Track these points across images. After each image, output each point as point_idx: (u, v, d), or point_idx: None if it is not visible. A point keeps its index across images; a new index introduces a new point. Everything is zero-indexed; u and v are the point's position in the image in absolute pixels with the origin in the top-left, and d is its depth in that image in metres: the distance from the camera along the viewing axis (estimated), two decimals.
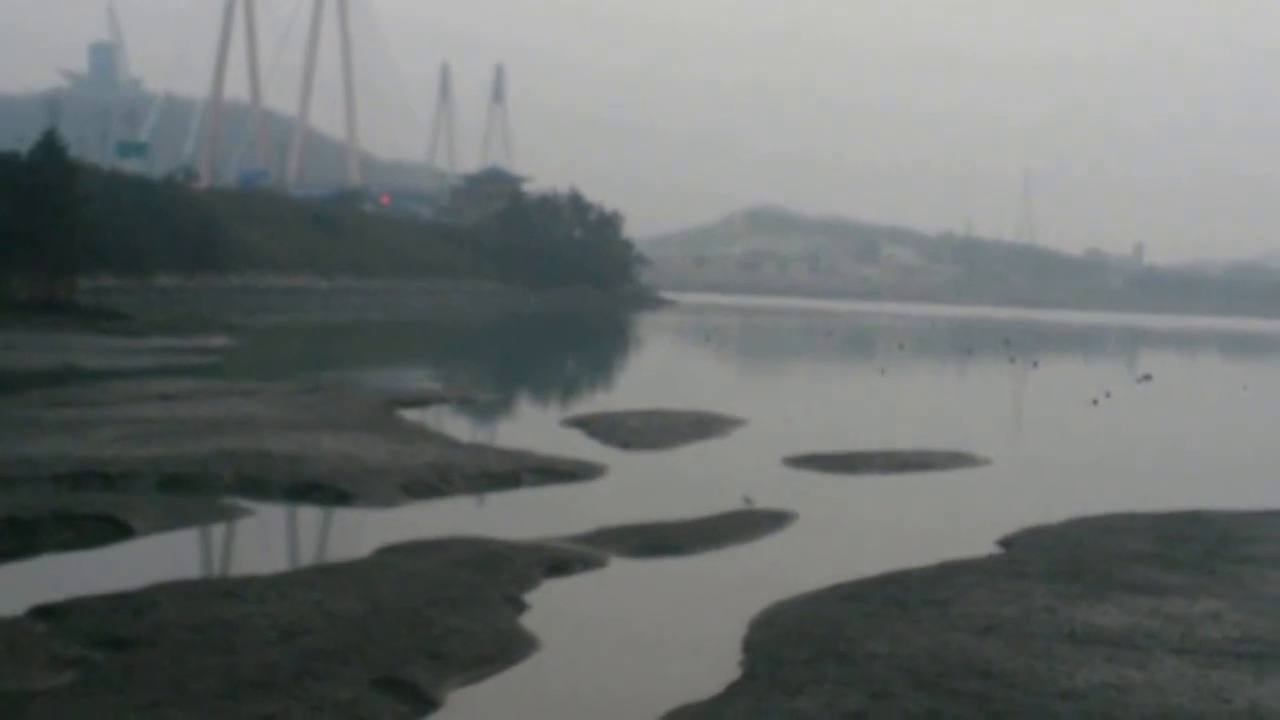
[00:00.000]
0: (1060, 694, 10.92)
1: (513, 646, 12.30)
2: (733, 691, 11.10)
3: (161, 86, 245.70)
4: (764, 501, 20.64)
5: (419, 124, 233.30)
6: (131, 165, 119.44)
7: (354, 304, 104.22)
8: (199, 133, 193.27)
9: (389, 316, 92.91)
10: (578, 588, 15.06)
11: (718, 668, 11.88)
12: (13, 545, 15.65)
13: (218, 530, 17.58)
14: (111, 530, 16.48)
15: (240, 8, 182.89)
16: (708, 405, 34.19)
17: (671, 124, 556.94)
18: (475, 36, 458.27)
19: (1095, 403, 42.11)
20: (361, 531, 17.41)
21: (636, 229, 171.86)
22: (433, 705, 10.67)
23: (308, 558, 16.38)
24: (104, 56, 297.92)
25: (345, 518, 18.63)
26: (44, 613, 12.29)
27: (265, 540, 17.41)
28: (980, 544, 18.04)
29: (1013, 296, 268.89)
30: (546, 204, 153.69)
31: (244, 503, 18.79)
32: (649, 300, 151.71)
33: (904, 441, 28.84)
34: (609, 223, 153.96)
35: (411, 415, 30.60)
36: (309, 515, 18.83)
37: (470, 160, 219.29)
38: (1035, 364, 65.08)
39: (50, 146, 60.44)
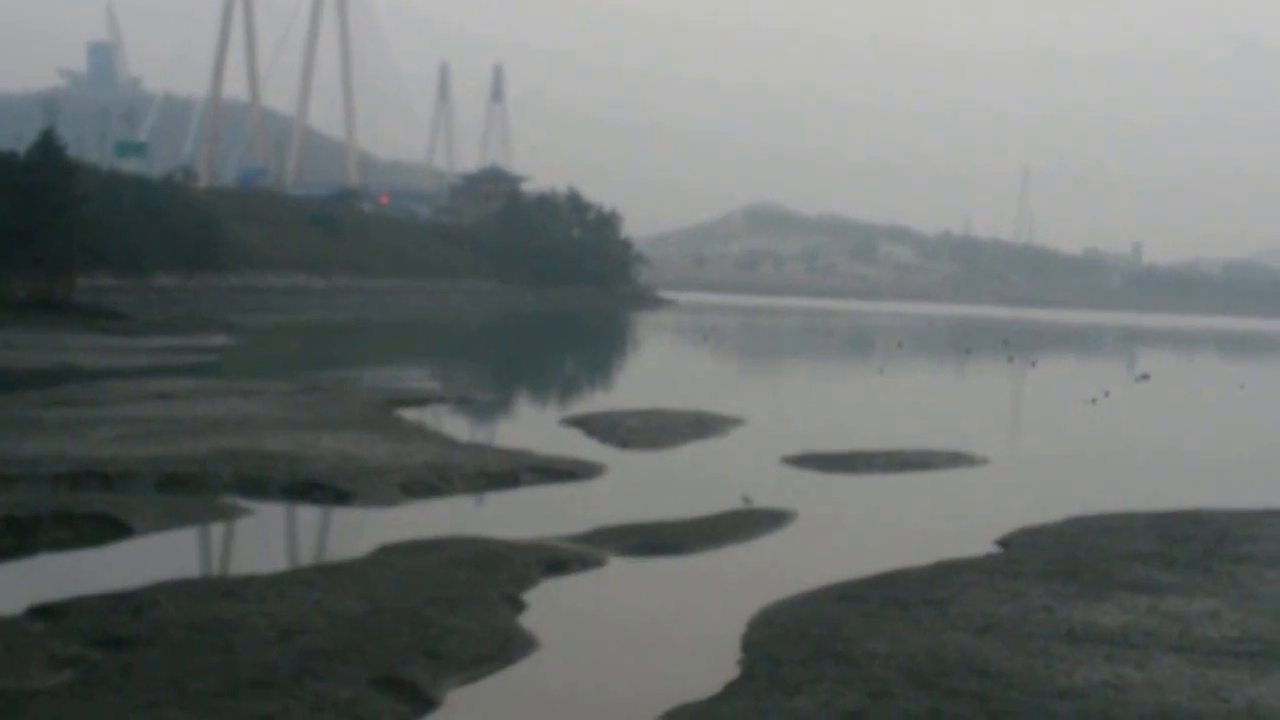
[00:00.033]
0: (1058, 693, 10.93)
1: (511, 646, 12.31)
2: (731, 691, 11.11)
3: (160, 86, 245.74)
4: (763, 501, 20.65)
5: (418, 123, 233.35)
6: (130, 165, 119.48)
7: (353, 303, 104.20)
8: (198, 132, 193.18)
9: (388, 316, 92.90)
10: (576, 587, 15.07)
11: (716, 667, 11.89)
12: (11, 544, 15.65)
13: (217, 530, 17.58)
14: (110, 530, 16.48)
15: (239, 7, 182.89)
16: (706, 404, 34.19)
17: (670, 123, 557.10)
18: (474, 36, 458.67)
19: (1093, 402, 42.13)
20: (360, 531, 17.42)
21: (635, 228, 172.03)
22: (431, 704, 10.68)
23: (307, 557, 16.39)
24: (103, 56, 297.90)
25: (344, 517, 18.63)
26: (42, 612, 12.30)
27: (264, 539, 17.41)
28: (978, 543, 18.05)
29: (1011, 295, 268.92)
30: (545, 203, 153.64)
31: (243, 502, 18.79)
32: (647, 299, 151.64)
33: (902, 441, 28.84)
34: (607, 222, 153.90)
35: (410, 415, 30.60)
36: (308, 515, 18.83)
37: (469, 160, 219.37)
38: (1033, 363, 65.09)
39: (49, 146, 60.41)
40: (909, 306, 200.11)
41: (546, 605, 13.93)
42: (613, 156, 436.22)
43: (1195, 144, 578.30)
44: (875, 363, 62.38)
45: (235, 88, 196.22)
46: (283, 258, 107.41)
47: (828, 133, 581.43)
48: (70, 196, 59.82)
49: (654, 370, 56.63)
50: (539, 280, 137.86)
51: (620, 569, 16.07)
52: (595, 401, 37.89)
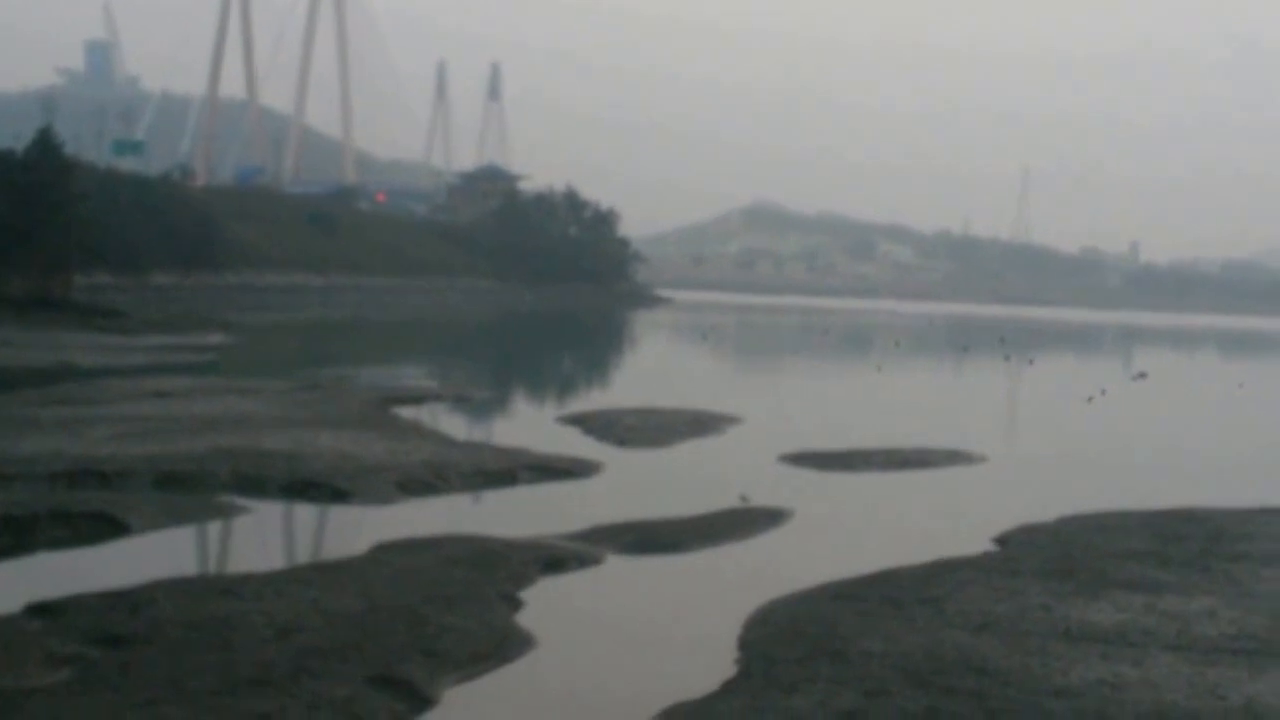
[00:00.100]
0: (1055, 691, 10.94)
1: (508, 644, 12.31)
2: (728, 689, 11.11)
3: (158, 84, 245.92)
4: (760, 499, 20.66)
5: (415, 122, 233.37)
6: (127, 163, 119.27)
7: (350, 302, 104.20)
8: (195, 130, 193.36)
9: (385, 314, 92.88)
10: (573, 585, 15.08)
11: (713, 665, 11.90)
12: (9, 543, 15.65)
13: (214, 528, 17.59)
14: (107, 528, 16.48)
15: (236, 6, 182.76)
16: (704, 403, 34.19)
17: (668, 122, 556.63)
18: (471, 34, 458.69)
19: (1090, 400, 42.15)
20: (358, 529, 17.42)
21: (633, 227, 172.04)
22: (428, 703, 10.69)
23: (304, 555, 16.39)
24: (100, 54, 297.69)
25: (342, 515, 18.63)
26: (40, 610, 12.30)
27: (262, 538, 17.41)
28: (975, 542, 18.07)
29: (1009, 294, 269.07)
30: (543, 202, 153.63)
31: (240, 500, 18.79)
32: (645, 298, 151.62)
33: (900, 439, 28.85)
34: (605, 220, 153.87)
35: (408, 413, 30.60)
36: (305, 513, 18.83)
37: (466, 158, 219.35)
38: (1031, 362, 65.11)
39: (46, 144, 60.36)
40: (907, 305, 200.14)
41: (544, 603, 13.94)
42: (610, 155, 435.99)
43: (1194, 144, 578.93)
44: (873, 361, 62.42)
45: (232, 86, 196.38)
46: (280, 256, 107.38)
47: (826, 132, 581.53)
48: (67, 195, 59.77)
49: (651, 369, 56.64)
50: (536, 279, 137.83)
51: (617, 567, 16.08)
52: (593, 400, 37.88)
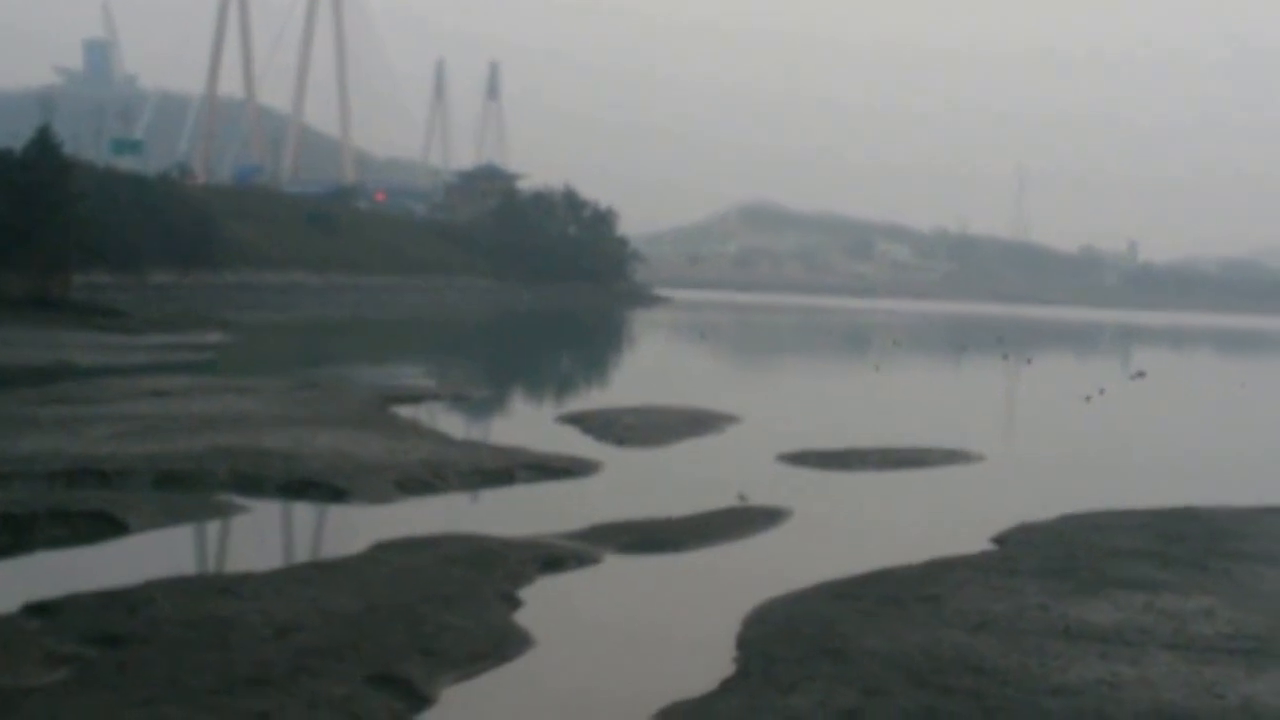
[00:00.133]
0: (1053, 690, 10.95)
1: (507, 643, 12.32)
2: (726, 688, 11.12)
3: (156, 83, 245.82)
4: (758, 498, 20.66)
5: (414, 121, 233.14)
6: (126, 162, 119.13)
7: (349, 301, 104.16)
8: (193, 130, 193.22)
9: (384, 313, 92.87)
10: (572, 584, 15.08)
11: (711, 664, 11.90)
12: (7, 542, 15.65)
13: (213, 527, 17.59)
14: (106, 527, 16.48)
15: (234, 5, 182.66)
16: (702, 402, 34.20)
17: (665, 121, 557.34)
18: (469, 34, 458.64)
19: (1088, 399, 42.17)
20: (356, 528, 17.42)
21: (631, 226, 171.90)
22: (427, 702, 10.69)
23: (302, 554, 16.39)
24: (99, 53, 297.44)
25: (340, 514, 18.63)
26: (38, 609, 12.30)
27: (260, 537, 17.40)
28: (973, 541, 18.07)
29: (1007, 293, 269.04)
30: (541, 201, 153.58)
31: (239, 499, 18.79)
32: (643, 297, 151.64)
33: (898, 438, 28.86)
34: (603, 219, 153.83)
35: (406, 412, 30.61)
36: (304, 512, 18.83)
37: (465, 157, 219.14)
38: (1029, 360, 65.13)
39: (45, 143, 60.35)
40: (905, 304, 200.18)
41: (542, 603, 13.94)
42: (609, 155, 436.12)
43: (1192, 143, 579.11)
44: (871, 360, 62.41)
45: (231, 85, 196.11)
46: (279, 255, 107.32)
47: (824, 131, 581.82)
48: (66, 194, 59.75)
49: (650, 368, 56.64)
50: (535, 278, 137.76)
51: (616, 566, 16.08)
52: (591, 399, 37.89)
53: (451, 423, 29.93)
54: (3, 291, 54.56)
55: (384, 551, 15.50)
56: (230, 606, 12.50)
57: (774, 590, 14.49)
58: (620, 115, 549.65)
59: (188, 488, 19.18)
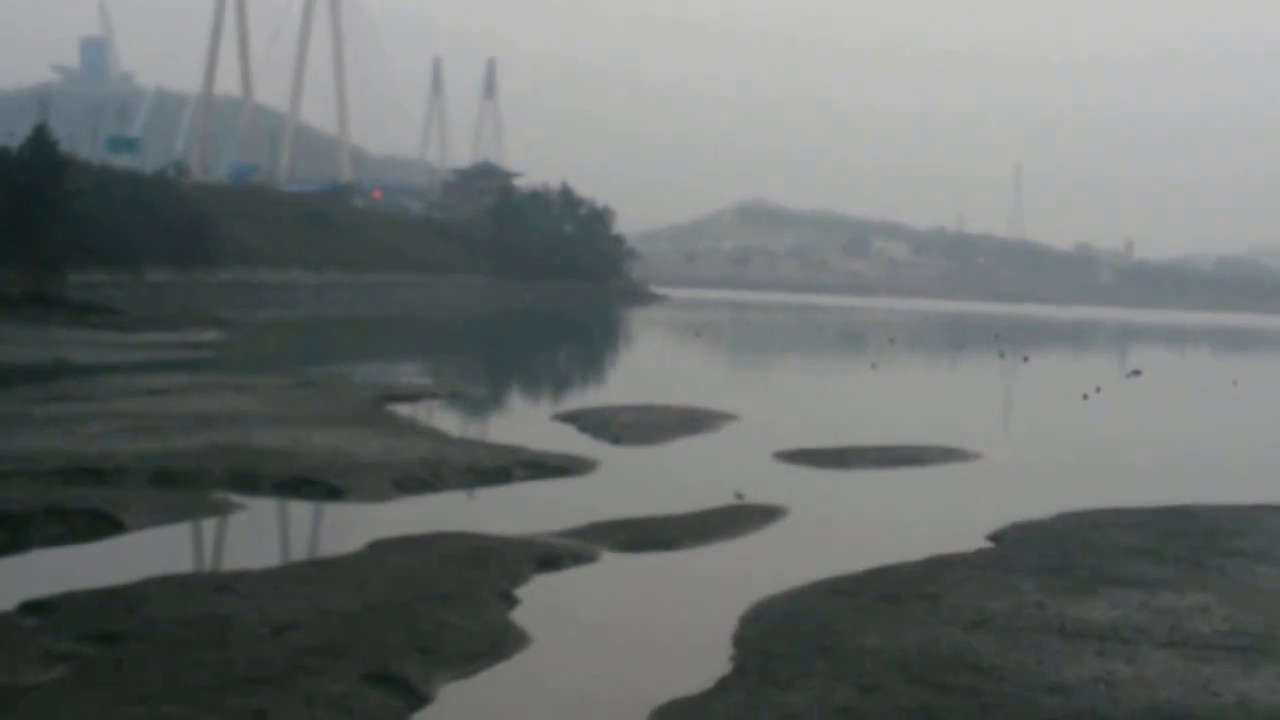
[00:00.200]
0: (1050, 688, 10.96)
1: (504, 641, 12.31)
2: (723, 686, 11.12)
3: (153, 81, 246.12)
4: (755, 496, 20.66)
5: (411, 119, 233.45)
6: (122, 160, 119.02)
7: (345, 299, 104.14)
8: (190, 128, 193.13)
9: (381, 311, 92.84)
10: (568, 582, 15.08)
11: (708, 662, 11.90)
12: (3, 540, 15.63)
13: (209, 525, 17.58)
14: (102, 525, 16.47)
15: (231, 3, 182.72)
16: (699, 400, 34.19)
17: (662, 120, 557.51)
18: (467, 32, 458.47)
19: (1085, 397, 42.19)
20: (353, 526, 17.41)
21: (627, 224, 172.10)
22: (424, 700, 10.69)
23: (299, 552, 16.39)
24: (95, 51, 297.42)
25: (337, 513, 18.62)
26: (34, 608, 12.30)
27: (257, 535, 17.40)
28: (970, 539, 18.08)
29: (1003, 291, 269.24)
30: (538, 199, 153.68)
31: (235, 497, 18.77)
32: (640, 295, 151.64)
33: (895, 436, 28.87)
34: (600, 218, 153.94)
35: (403, 410, 30.59)
36: (300, 510, 18.83)
37: (462, 155, 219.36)
38: (1025, 359, 65.14)
39: (41, 141, 60.37)
40: (902, 302, 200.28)
41: (539, 601, 13.94)
42: (606, 153, 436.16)
43: (1189, 143, 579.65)
44: (868, 358, 62.42)
45: (228, 83, 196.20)
46: (275, 253, 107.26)
47: (821, 130, 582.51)
48: (62, 192, 59.75)
49: (646, 366, 56.65)
50: (531, 275, 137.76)
51: (612, 564, 16.08)
52: (587, 397, 37.90)
53: (448, 421, 29.93)
54: None
55: (381, 550, 15.50)
56: (227, 604, 12.50)
57: (771, 588, 14.49)
58: (617, 114, 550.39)
59: (184, 486, 19.16)
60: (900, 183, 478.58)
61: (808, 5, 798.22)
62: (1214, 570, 15.73)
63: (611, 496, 20.32)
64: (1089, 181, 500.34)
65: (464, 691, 11.10)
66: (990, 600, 13.87)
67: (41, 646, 11.13)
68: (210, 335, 54.92)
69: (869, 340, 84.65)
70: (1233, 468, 28.52)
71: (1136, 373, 56.50)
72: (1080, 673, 11.38)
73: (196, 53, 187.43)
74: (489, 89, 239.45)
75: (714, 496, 20.37)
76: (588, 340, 76.29)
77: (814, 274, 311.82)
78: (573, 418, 30.27)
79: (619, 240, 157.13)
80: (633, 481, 22.53)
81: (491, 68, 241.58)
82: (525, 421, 31.47)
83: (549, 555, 15.80)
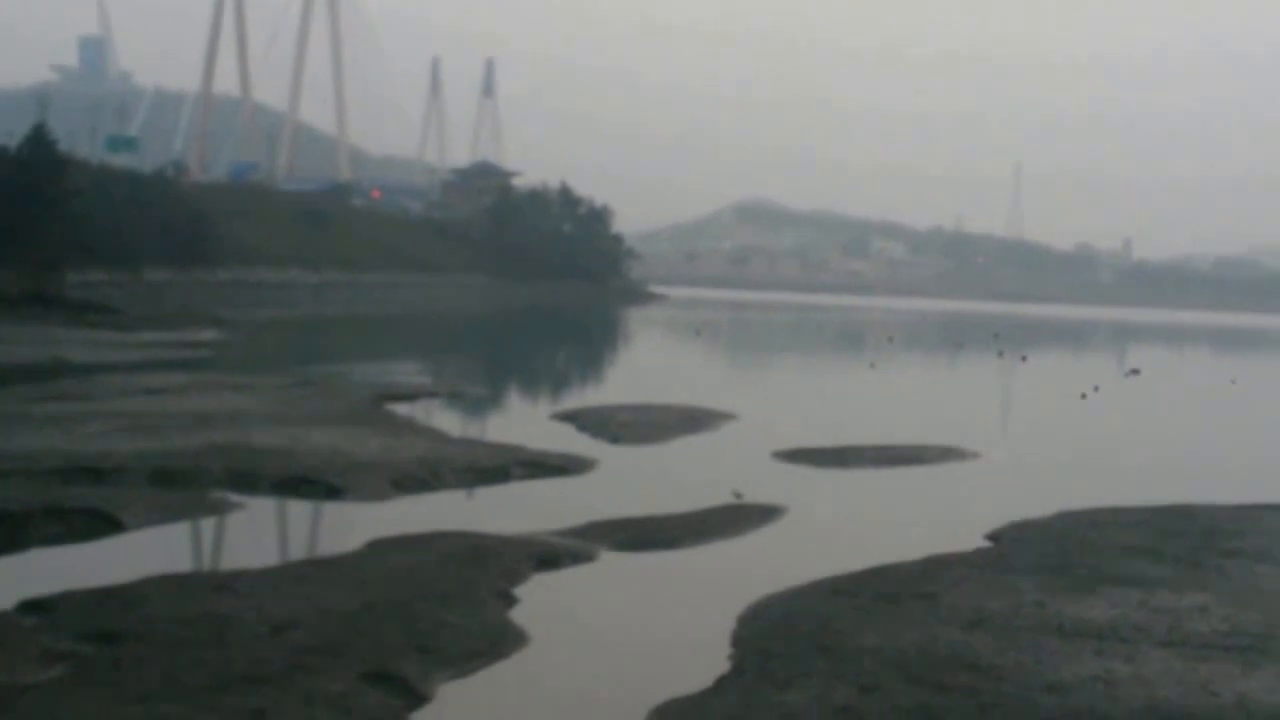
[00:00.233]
0: (1048, 687, 10.96)
1: (502, 640, 12.31)
2: (722, 685, 11.12)
3: (151, 80, 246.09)
4: (753, 496, 20.66)
5: (409, 118, 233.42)
6: (121, 159, 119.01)
7: (344, 298, 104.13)
8: (189, 127, 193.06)
9: (379, 310, 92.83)
10: (567, 581, 15.08)
11: (706, 662, 11.90)
12: (2, 539, 15.63)
13: (207, 524, 17.57)
14: (101, 524, 16.47)
15: (230, 2, 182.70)
16: (698, 399, 34.18)
17: (662, 120, 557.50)
18: (465, 32, 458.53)
19: (1083, 397, 42.19)
20: (351, 526, 17.41)
21: (626, 223, 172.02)
22: (423, 699, 10.69)
23: (298, 552, 16.39)
24: (93, 50, 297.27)
25: (335, 512, 18.62)
26: (33, 607, 12.30)
27: (255, 534, 17.40)
28: (969, 538, 18.08)
29: (1002, 291, 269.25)
30: (536, 198, 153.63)
31: (234, 497, 18.77)
32: (639, 294, 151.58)
33: (894, 435, 28.87)
34: (599, 217, 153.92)
35: (402, 409, 30.58)
36: (299, 509, 18.83)
37: (460, 155, 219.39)
38: (1024, 358, 65.16)
39: (39, 140, 60.35)
40: (901, 302, 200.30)
41: (537, 600, 13.94)
42: (605, 153, 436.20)
43: (1188, 143, 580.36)
44: (867, 357, 62.42)
45: (226, 83, 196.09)
46: (274, 252, 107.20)
47: (821, 131, 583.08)
48: (61, 191, 59.74)
49: (645, 365, 56.64)
50: (530, 275, 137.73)
51: (611, 564, 16.08)
52: (586, 396, 37.90)
53: (447, 420, 29.93)
54: None
55: (380, 549, 15.50)
56: (226, 604, 12.49)
57: (769, 587, 14.49)
58: (616, 114, 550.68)
59: (183, 485, 19.16)
60: (899, 182, 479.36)
61: (808, 5, 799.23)
62: (1213, 570, 15.73)
63: (610, 496, 20.32)
64: (1088, 181, 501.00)
65: (463, 691, 11.10)
66: (989, 599, 13.87)
67: (40, 645, 11.13)
68: (209, 334, 54.91)
69: (868, 340, 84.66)
70: (1231, 467, 28.53)
71: (1135, 372, 56.51)
72: (1079, 672, 11.38)
73: (195, 52, 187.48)
74: (487, 89, 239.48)
75: (713, 496, 20.37)
76: (586, 339, 76.29)
77: (813, 273, 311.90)
78: (571, 417, 30.26)
79: (618, 239, 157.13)
80: (631, 481, 22.53)
81: (490, 67, 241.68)
82: (524, 421, 31.46)
83: (548, 554, 15.80)
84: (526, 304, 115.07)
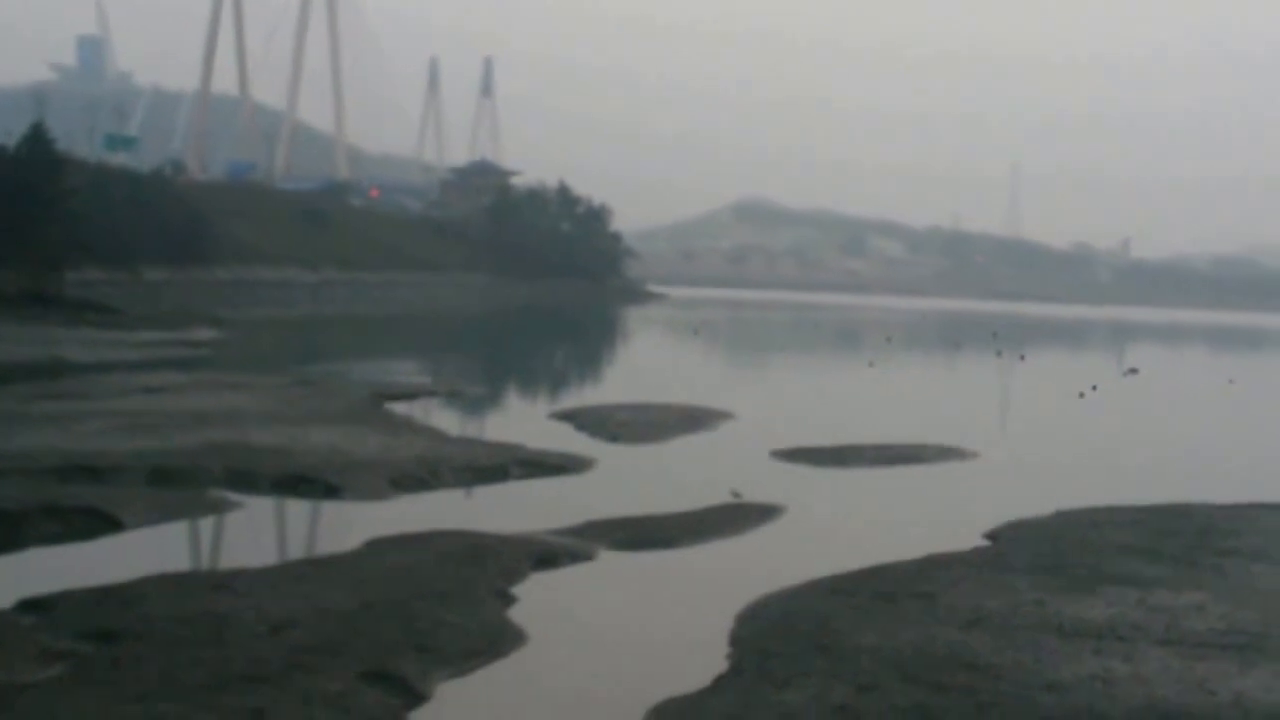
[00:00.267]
0: (1046, 686, 10.97)
1: (501, 640, 12.32)
2: (720, 684, 11.13)
3: (149, 79, 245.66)
4: (752, 495, 20.67)
5: (407, 117, 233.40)
6: (119, 159, 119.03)
7: (342, 297, 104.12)
8: (187, 126, 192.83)
9: (378, 310, 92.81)
10: (565, 581, 15.09)
11: (705, 661, 11.91)
12: (0, 538, 15.64)
13: (206, 523, 17.58)
14: (99, 523, 16.47)
15: (228, 1, 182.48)
16: (696, 399, 34.19)
17: (660, 119, 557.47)
18: (463, 31, 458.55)
19: (1081, 396, 42.21)
20: (350, 525, 17.42)
21: (624, 222, 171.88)
22: (421, 698, 10.70)
23: (296, 551, 16.40)
24: (92, 49, 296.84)
25: (334, 511, 18.63)
26: (32, 606, 12.31)
27: (254, 533, 17.41)
28: (967, 537, 18.09)
29: (1000, 290, 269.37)
30: (535, 197, 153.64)
31: (232, 496, 18.78)
32: (637, 293, 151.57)
33: (892, 435, 28.87)
34: (597, 216, 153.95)
35: (400, 408, 30.59)
36: (297, 508, 18.84)
37: (459, 154, 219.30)
38: (1022, 357, 65.16)
39: (37, 139, 60.27)
40: (898, 301, 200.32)
41: (536, 599, 13.95)
42: (602, 152, 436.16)
43: (1186, 142, 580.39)
44: (865, 357, 62.42)
45: (225, 82, 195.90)
46: (272, 251, 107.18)
47: (819, 130, 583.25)
48: (59, 190, 59.66)
49: (643, 364, 56.63)
50: (528, 274, 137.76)
51: (609, 563, 16.09)
52: (585, 395, 37.90)
53: (446, 419, 29.94)
54: None
55: (378, 548, 15.50)
56: (224, 603, 12.50)
57: (768, 587, 14.50)
58: (615, 113, 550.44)
59: (181, 484, 19.17)
60: (897, 182, 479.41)
61: (808, 5, 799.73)
62: (1210, 569, 15.74)
63: (608, 495, 20.33)
64: (1087, 180, 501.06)
65: (461, 690, 11.11)
66: (987, 599, 13.89)
67: (39, 644, 11.14)
68: (207, 334, 54.89)
69: (866, 339, 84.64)
70: (1229, 466, 28.54)
71: (1133, 371, 56.52)
72: (1077, 671, 11.39)
73: (193, 51, 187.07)
74: (486, 88, 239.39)
75: (711, 495, 20.38)
76: (585, 338, 76.28)
77: (811, 272, 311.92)
78: (570, 416, 30.27)
79: (616, 238, 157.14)
80: (630, 480, 22.54)
81: (488, 66, 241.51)
82: (522, 420, 31.46)
83: (546, 553, 15.81)
84: (525, 303, 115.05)
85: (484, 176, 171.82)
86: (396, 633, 11.91)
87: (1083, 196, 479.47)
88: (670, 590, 15.10)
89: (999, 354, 66.57)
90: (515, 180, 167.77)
